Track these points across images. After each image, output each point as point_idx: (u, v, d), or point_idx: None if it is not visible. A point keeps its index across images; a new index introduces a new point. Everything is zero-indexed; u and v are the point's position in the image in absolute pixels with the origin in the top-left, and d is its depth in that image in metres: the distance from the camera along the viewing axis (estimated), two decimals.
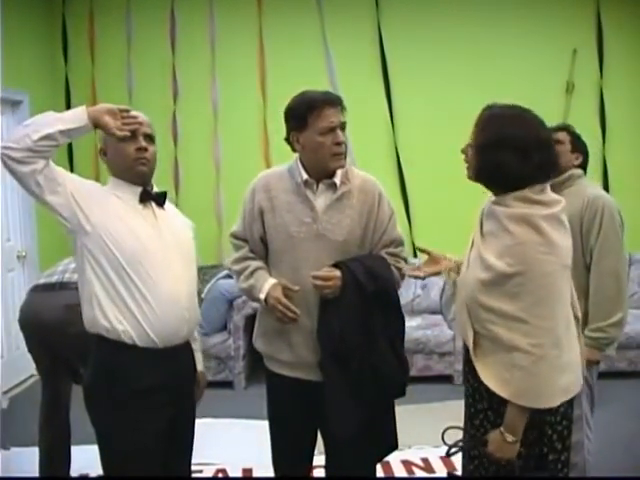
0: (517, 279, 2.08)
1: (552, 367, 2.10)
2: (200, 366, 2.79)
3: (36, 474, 3.45)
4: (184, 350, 2.55)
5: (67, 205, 2.33)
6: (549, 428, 2.21)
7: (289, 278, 2.57)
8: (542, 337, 2.07)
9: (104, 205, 2.39)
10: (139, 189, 2.46)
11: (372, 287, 2.51)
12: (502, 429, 2.15)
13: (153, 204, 2.50)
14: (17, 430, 4.27)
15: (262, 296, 2.57)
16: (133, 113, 2.40)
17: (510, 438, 2.14)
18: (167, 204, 2.61)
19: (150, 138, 2.48)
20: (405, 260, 2.73)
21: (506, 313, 2.10)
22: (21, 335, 5.67)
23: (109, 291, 2.36)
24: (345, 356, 2.49)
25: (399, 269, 2.67)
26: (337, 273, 2.49)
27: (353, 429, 2.53)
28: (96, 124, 2.31)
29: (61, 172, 2.36)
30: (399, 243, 2.71)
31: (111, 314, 2.36)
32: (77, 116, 2.30)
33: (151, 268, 2.38)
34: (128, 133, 2.35)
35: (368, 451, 2.70)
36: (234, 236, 2.77)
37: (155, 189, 2.55)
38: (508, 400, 2.13)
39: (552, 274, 2.09)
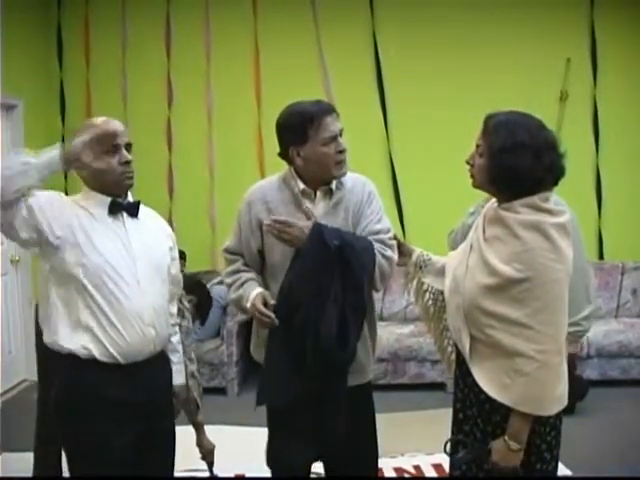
0: (525, 285, 2.09)
1: (554, 374, 2.11)
2: (179, 379, 2.72)
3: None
4: (153, 365, 2.47)
5: (37, 238, 2.28)
6: (538, 438, 2.22)
7: None
8: (546, 343, 2.08)
9: (69, 220, 2.32)
10: (108, 200, 2.39)
11: (336, 243, 2.45)
12: (506, 437, 2.14)
13: (124, 215, 2.42)
14: (9, 435, 4.25)
15: (248, 305, 2.55)
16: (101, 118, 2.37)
17: (515, 446, 2.13)
18: (145, 211, 2.54)
19: (130, 147, 2.41)
20: (392, 248, 2.65)
21: (510, 318, 2.11)
22: (13, 339, 5.69)
23: (71, 312, 2.32)
24: (290, 311, 2.46)
25: (387, 258, 2.60)
26: (301, 223, 2.48)
27: (286, 398, 2.49)
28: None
29: (29, 203, 2.25)
30: (386, 231, 2.66)
31: (72, 336, 2.32)
32: (52, 163, 2.24)
33: (114, 284, 2.32)
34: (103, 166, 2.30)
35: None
36: (228, 251, 2.74)
37: (130, 198, 2.48)
38: (509, 407, 2.13)
39: (558, 281, 2.11)
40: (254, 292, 2.56)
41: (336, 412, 2.59)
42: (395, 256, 2.64)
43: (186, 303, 3.18)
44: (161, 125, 6.11)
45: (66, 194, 5.86)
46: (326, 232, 2.49)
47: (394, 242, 2.67)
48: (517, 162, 2.12)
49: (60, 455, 3.38)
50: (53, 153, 2.26)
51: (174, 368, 2.69)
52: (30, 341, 5.63)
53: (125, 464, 2.37)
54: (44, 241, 2.29)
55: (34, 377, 5.44)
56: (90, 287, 2.30)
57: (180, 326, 2.97)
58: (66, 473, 3.37)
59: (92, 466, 2.36)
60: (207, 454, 3.36)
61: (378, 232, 2.63)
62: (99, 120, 2.41)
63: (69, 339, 2.32)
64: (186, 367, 3.10)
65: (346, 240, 2.50)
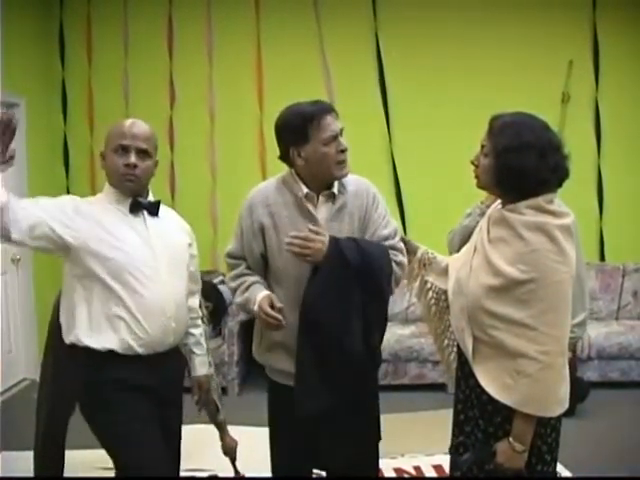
0: (529, 286, 2.09)
1: (557, 375, 2.11)
2: (203, 369, 2.80)
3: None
4: (169, 357, 2.54)
5: (51, 241, 2.33)
6: (539, 440, 2.22)
7: (294, 294, 2.52)
8: (550, 345, 2.08)
9: (90, 219, 2.39)
10: (128, 199, 2.47)
11: (357, 262, 2.45)
12: (511, 439, 2.15)
13: (145, 213, 2.49)
14: (9, 434, 4.25)
15: (255, 308, 2.52)
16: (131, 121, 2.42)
17: (519, 447, 2.14)
18: (164, 210, 2.60)
19: (145, 153, 2.45)
20: (402, 252, 2.66)
21: (513, 319, 2.11)
22: (13, 338, 5.67)
23: (95, 310, 2.37)
24: (313, 325, 2.46)
25: (398, 263, 2.61)
26: (320, 237, 2.44)
27: (317, 406, 2.49)
28: None
29: (33, 211, 2.31)
30: (394, 235, 2.66)
31: (97, 335, 2.36)
32: None
33: (136, 279, 2.38)
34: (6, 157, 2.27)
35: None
36: (230, 256, 2.71)
37: (150, 197, 2.55)
38: (511, 408, 2.13)
39: (563, 283, 2.11)
40: (260, 294, 2.53)
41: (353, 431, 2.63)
42: (405, 260, 2.65)
43: (204, 310, 3.23)
44: (163, 125, 6.10)
45: (68, 193, 5.85)
46: (343, 245, 2.47)
47: (403, 245, 2.68)
48: (522, 162, 2.12)
49: (63, 455, 3.36)
50: None
51: (197, 359, 2.78)
52: (30, 340, 5.66)
53: (156, 440, 2.43)
54: (60, 247, 2.36)
55: (34, 376, 5.46)
56: (113, 282, 2.35)
57: None
58: (68, 473, 3.38)
59: (128, 444, 2.41)
60: (229, 450, 3.46)
61: (387, 237, 2.63)
62: (126, 120, 2.49)
63: (91, 334, 2.37)
64: None
65: (364, 251, 2.49)
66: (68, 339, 2.44)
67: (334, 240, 2.46)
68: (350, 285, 2.46)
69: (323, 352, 2.46)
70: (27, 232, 2.28)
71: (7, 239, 2.26)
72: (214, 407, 3.34)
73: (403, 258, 2.64)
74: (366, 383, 2.64)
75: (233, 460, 3.52)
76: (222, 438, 3.49)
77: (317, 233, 2.44)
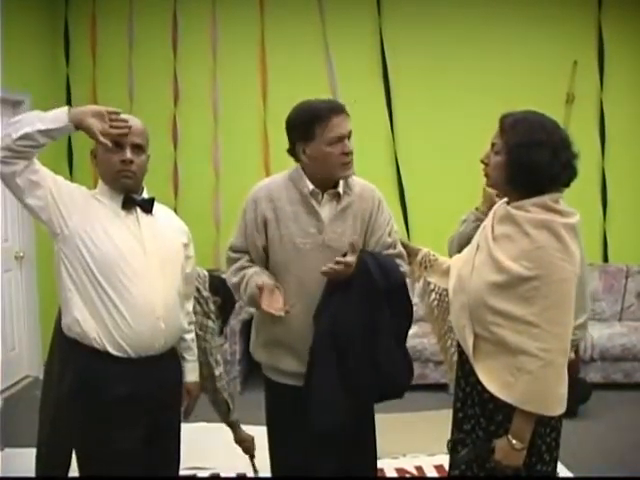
0: (533, 283, 2.09)
1: (558, 374, 2.10)
2: (193, 376, 2.74)
3: (31, 475, 3.43)
4: (164, 360, 2.49)
5: (45, 208, 2.32)
6: (538, 439, 2.22)
7: (294, 289, 2.53)
8: (552, 342, 2.08)
9: (85, 210, 2.37)
10: (121, 195, 2.43)
11: (384, 283, 2.47)
12: (509, 436, 2.14)
13: (138, 210, 2.45)
14: (11, 431, 4.26)
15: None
16: (123, 117, 2.32)
17: (518, 445, 2.13)
18: (160, 208, 2.56)
19: (140, 148, 2.42)
20: (404, 260, 2.68)
21: (516, 316, 2.11)
22: (16, 335, 5.66)
23: (82, 297, 2.34)
24: (339, 344, 2.45)
25: (402, 273, 2.64)
26: (351, 260, 2.44)
27: (335, 421, 2.48)
28: (79, 126, 2.23)
29: (43, 174, 2.32)
30: (397, 243, 2.69)
31: (84, 321, 2.34)
32: (58, 117, 2.23)
33: (125, 276, 2.34)
34: (110, 144, 2.27)
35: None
36: (233, 249, 2.70)
37: (145, 194, 2.51)
38: (512, 406, 2.12)
39: (567, 281, 2.11)
40: (261, 281, 2.51)
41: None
42: (408, 268, 2.68)
43: (212, 305, 3.20)
44: (167, 122, 6.11)
45: None
46: (370, 264, 2.49)
47: (405, 252, 2.69)
48: (535, 158, 2.12)
49: (70, 455, 3.34)
50: (60, 108, 2.27)
51: (188, 366, 2.71)
52: (33, 337, 5.67)
53: (133, 459, 2.39)
54: (56, 222, 2.34)
55: (36, 373, 5.48)
56: (100, 276, 2.32)
57: (207, 327, 2.99)
58: (73, 473, 3.37)
59: (100, 460, 2.38)
60: (249, 446, 3.43)
61: (391, 245, 2.65)
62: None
63: (83, 324, 2.34)
64: (212, 368, 3.11)
65: (386, 270, 2.52)
66: (65, 329, 2.42)
67: (360, 259, 2.47)
68: (377, 302, 2.49)
69: (348, 367, 2.47)
70: (29, 181, 2.28)
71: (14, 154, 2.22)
72: (225, 407, 3.30)
73: (407, 267, 2.67)
74: (395, 396, 2.65)
75: (252, 456, 3.46)
76: (238, 437, 3.40)
77: (347, 263, 2.44)
